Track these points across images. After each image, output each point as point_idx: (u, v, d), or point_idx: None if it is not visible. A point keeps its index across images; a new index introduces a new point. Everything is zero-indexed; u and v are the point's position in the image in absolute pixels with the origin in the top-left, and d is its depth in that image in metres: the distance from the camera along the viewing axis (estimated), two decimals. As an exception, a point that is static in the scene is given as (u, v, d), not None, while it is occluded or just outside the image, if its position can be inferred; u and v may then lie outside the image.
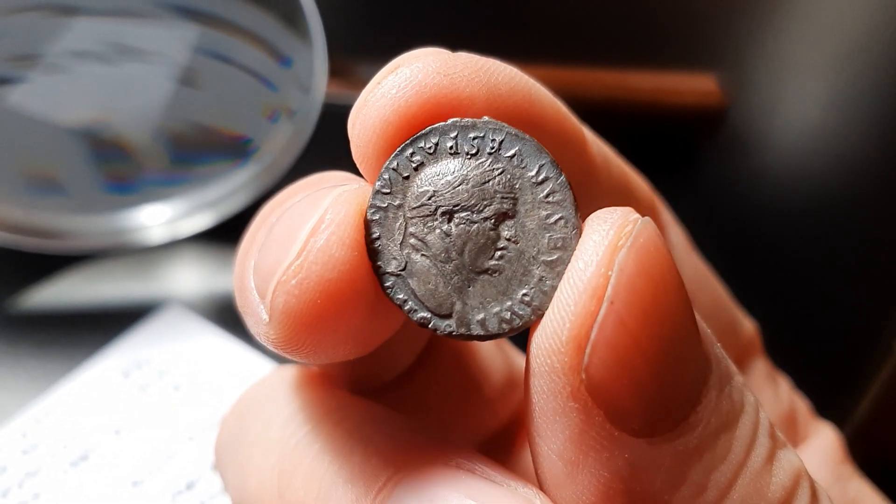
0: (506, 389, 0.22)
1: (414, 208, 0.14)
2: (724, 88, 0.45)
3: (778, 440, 0.14)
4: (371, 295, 0.14)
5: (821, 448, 0.23)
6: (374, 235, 0.14)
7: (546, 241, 0.14)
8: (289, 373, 0.18)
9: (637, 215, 0.13)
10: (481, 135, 0.14)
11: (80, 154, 0.35)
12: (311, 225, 0.13)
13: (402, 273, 0.14)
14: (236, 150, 0.36)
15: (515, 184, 0.14)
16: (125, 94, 0.34)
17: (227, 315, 0.36)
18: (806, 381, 0.25)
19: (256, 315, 0.14)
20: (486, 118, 0.14)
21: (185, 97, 0.34)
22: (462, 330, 0.14)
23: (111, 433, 0.31)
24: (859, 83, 0.49)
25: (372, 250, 0.14)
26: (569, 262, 0.13)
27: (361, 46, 0.46)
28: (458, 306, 0.14)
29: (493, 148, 0.14)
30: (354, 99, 0.14)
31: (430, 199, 0.14)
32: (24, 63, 0.32)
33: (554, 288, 0.13)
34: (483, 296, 0.14)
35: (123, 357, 0.34)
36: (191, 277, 0.39)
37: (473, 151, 0.14)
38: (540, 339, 0.13)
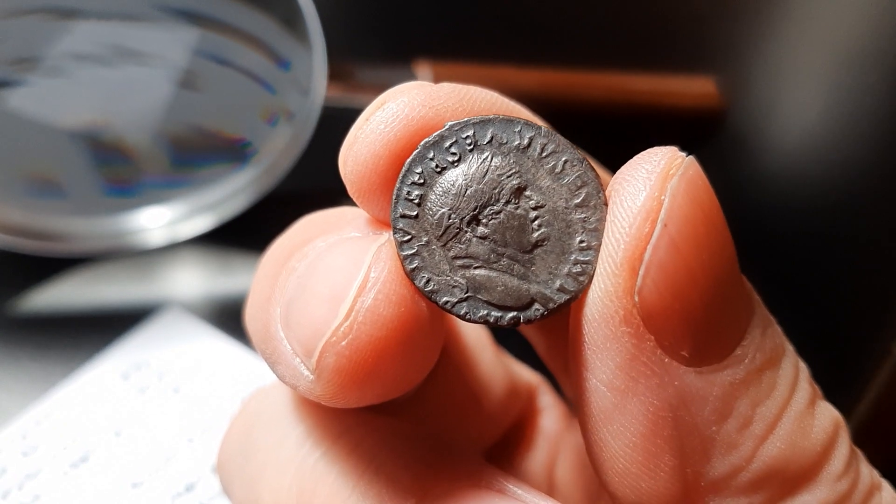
0: (506, 401, 0.22)
1: (441, 235, 0.14)
2: (722, 91, 0.45)
3: (817, 390, 0.14)
4: (415, 343, 0.14)
5: None
6: (424, 279, 0.14)
7: (566, 188, 0.14)
8: None
9: (683, 153, 0.13)
10: (453, 140, 0.14)
11: (81, 157, 0.35)
12: (357, 284, 0.14)
13: (470, 294, 0.14)
14: (235, 153, 0.36)
15: (510, 159, 0.14)
16: (125, 97, 0.34)
17: (226, 318, 0.36)
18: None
19: (293, 368, 0.14)
20: (448, 123, 0.14)
21: (184, 100, 0.34)
22: (550, 306, 0.14)
23: (111, 435, 0.31)
24: (858, 86, 0.49)
25: (430, 293, 0.14)
26: (597, 193, 0.14)
27: (361, 50, 0.46)
28: (533, 289, 0.14)
29: (470, 144, 0.14)
30: (354, 102, 0.15)
31: (449, 218, 0.14)
32: (24, 66, 0.33)
33: (600, 220, 0.14)
34: (548, 266, 0.14)
35: (123, 359, 0.34)
36: (190, 280, 0.39)
37: (456, 158, 0.14)
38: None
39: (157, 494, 0.29)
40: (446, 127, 0.14)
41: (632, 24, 0.51)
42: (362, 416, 0.17)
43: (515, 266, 0.14)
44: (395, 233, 0.14)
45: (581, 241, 0.14)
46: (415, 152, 0.14)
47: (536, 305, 0.14)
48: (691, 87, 0.45)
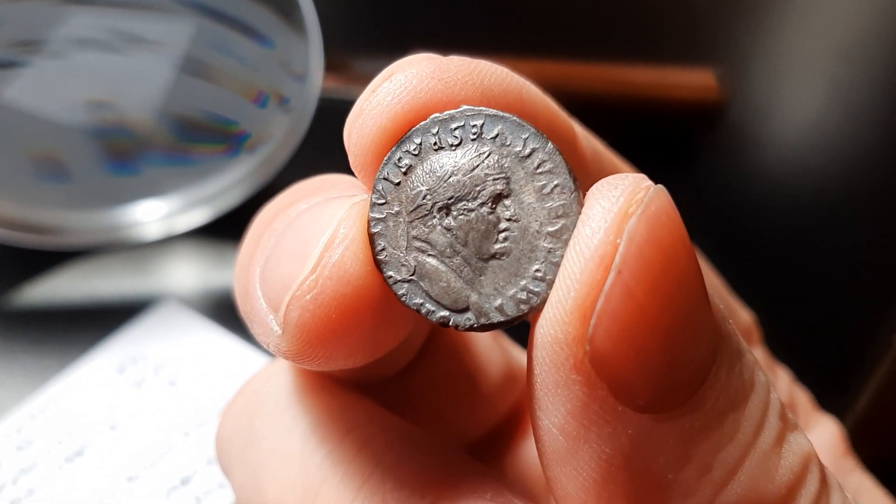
0: (503, 385, 0.22)
1: (411, 211, 0.14)
2: (722, 83, 0.45)
3: (788, 422, 0.14)
4: (383, 306, 0.14)
5: (822, 441, 0.23)
6: (380, 247, 0.14)
7: (546, 211, 0.13)
8: (292, 367, 0.18)
9: (649, 182, 0.12)
10: (461, 124, 0.14)
11: (83, 136, 0.35)
12: (325, 239, 0.13)
13: (414, 278, 0.14)
14: (224, 132, 0.36)
15: (504, 163, 0.13)
16: (126, 81, 0.34)
17: (222, 311, 0.36)
18: (804, 377, 0.25)
19: (265, 325, 0.14)
20: (463, 107, 0.14)
21: (180, 83, 0.34)
22: (482, 321, 0.13)
23: (106, 429, 0.31)
24: (857, 79, 0.49)
25: (380, 261, 0.14)
26: (573, 228, 0.13)
27: (358, 41, 0.46)
28: (473, 298, 0.13)
29: (475, 134, 0.14)
30: (352, 93, 0.14)
31: (424, 198, 0.14)
32: (26, 49, 0.32)
33: (563, 257, 0.13)
34: (496, 281, 0.13)
35: (119, 353, 0.34)
36: (187, 273, 0.38)
37: (457, 142, 0.14)
38: (545, 309, 0.12)
39: (152, 488, 0.29)
40: (460, 109, 0.14)
41: (631, 16, 0.51)
42: (369, 413, 0.16)
43: (466, 269, 0.13)
44: (372, 192, 0.14)
45: (538, 271, 0.13)
46: (422, 123, 0.14)
47: (469, 315, 0.13)
48: (690, 79, 0.45)
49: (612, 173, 0.19)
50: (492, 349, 0.21)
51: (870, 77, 0.49)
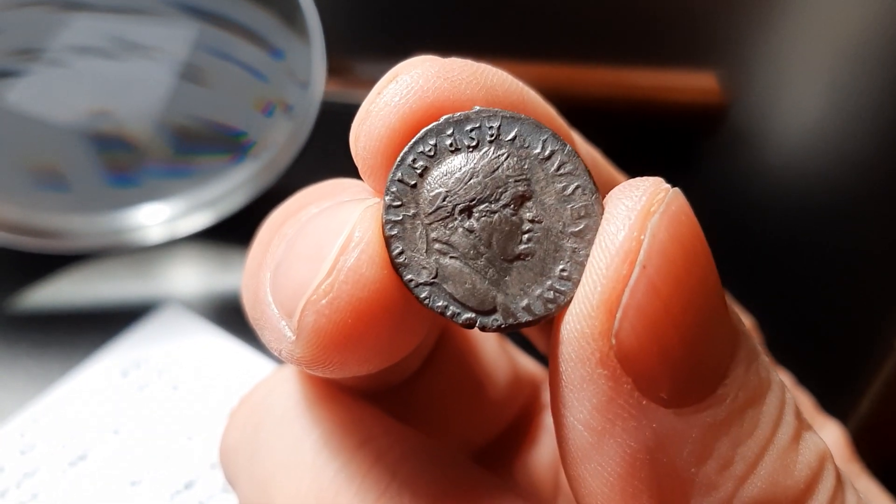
0: (510, 391, 0.22)
1: (430, 213, 0.14)
2: (724, 86, 0.45)
3: (803, 421, 0.14)
4: (399, 310, 0.14)
5: None
6: (398, 250, 0.14)
7: (569, 212, 0.13)
8: (299, 374, 0.18)
9: (668, 185, 0.13)
10: (477, 125, 0.14)
11: (82, 147, 0.35)
12: (340, 243, 0.13)
13: (436, 280, 0.14)
14: (232, 143, 0.36)
15: (524, 164, 0.14)
16: (126, 88, 0.34)
17: (225, 314, 0.36)
18: (806, 380, 0.25)
19: (278, 331, 0.14)
20: (477, 108, 0.14)
21: (183, 92, 0.34)
22: (510, 321, 0.14)
23: (109, 433, 0.31)
24: (859, 81, 0.49)
25: (398, 264, 0.14)
26: (596, 228, 0.13)
27: (361, 45, 0.46)
28: (500, 298, 0.14)
29: (492, 135, 0.14)
30: (354, 97, 0.14)
31: (444, 200, 0.14)
32: (26, 57, 0.32)
33: (588, 256, 0.13)
34: (522, 281, 0.14)
35: (122, 356, 0.34)
36: (189, 277, 0.38)
37: (474, 143, 0.14)
38: (571, 305, 0.13)
39: (155, 492, 0.29)
40: (474, 110, 0.14)
41: (633, 19, 0.51)
42: (382, 424, 0.16)
43: (490, 270, 0.14)
44: (386, 194, 0.14)
45: (563, 270, 0.13)
46: (434, 123, 0.14)
47: (496, 316, 0.14)
48: (693, 82, 0.45)
49: (611, 184, 0.19)
50: (498, 355, 0.21)
51: (872, 79, 0.49)
